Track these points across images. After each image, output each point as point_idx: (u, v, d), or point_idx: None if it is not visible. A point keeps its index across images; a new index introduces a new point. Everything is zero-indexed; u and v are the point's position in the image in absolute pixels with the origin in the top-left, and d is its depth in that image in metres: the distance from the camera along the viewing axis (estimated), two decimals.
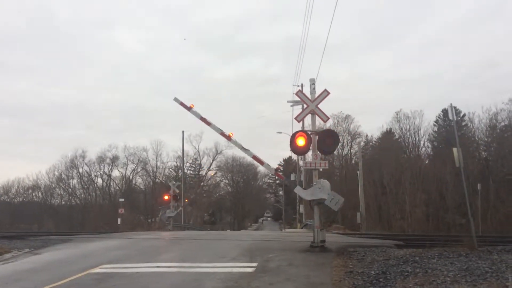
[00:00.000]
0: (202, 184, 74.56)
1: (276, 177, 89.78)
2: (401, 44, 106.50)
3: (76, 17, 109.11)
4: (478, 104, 71.94)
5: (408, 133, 47.90)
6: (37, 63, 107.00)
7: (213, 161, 75.48)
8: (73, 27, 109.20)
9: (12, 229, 45.66)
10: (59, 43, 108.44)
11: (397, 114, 48.17)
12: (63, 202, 72.26)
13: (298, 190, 12.71)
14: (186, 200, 47.35)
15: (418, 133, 47.50)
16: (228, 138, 15.06)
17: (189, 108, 14.65)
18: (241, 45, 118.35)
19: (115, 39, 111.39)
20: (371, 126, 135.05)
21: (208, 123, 14.59)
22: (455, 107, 12.97)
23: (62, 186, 71.23)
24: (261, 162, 15.28)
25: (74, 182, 71.33)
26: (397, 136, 49.66)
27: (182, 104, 14.70)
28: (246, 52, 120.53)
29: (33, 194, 72.57)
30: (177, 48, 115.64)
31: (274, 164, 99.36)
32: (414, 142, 47.97)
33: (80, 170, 70.27)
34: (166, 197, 34.12)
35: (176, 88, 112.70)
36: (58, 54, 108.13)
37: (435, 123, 49.50)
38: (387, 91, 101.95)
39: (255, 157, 14.99)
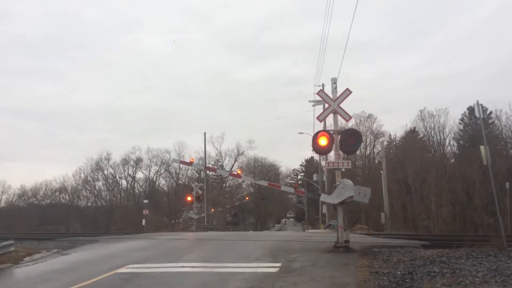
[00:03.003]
0: (224, 185, 74.90)
1: (299, 177, 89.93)
2: (426, 42, 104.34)
3: (102, 21, 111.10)
4: (505, 102, 69.73)
5: (432, 132, 46.86)
6: (64, 68, 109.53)
7: (235, 162, 75.55)
8: (99, 31, 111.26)
9: (40, 231, 46.99)
10: (85, 47, 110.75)
11: (421, 113, 47.31)
12: (89, 204, 74.12)
13: (324, 198, 12.74)
14: (213, 210, 47.69)
15: (443, 132, 46.41)
16: (238, 176, 16.00)
17: (190, 164, 16.04)
18: (266, 46, 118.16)
19: (141, 42, 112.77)
20: (395, 125, 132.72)
21: (214, 170, 15.70)
22: (481, 104, 12.67)
23: (88, 188, 72.94)
24: (278, 186, 15.81)
25: (100, 184, 73.10)
26: (421, 135, 48.76)
27: (182, 162, 15.93)
28: (271, 53, 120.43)
29: (60, 196, 74.59)
30: (202, 50, 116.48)
31: (296, 165, 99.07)
32: (439, 140, 46.93)
33: (105, 172, 71.88)
34: (189, 198, 34.54)
35: (199, 90, 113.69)
36: (85, 58, 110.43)
37: (461, 121, 48.46)
38: (411, 89, 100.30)
39: (270, 184, 15.62)
